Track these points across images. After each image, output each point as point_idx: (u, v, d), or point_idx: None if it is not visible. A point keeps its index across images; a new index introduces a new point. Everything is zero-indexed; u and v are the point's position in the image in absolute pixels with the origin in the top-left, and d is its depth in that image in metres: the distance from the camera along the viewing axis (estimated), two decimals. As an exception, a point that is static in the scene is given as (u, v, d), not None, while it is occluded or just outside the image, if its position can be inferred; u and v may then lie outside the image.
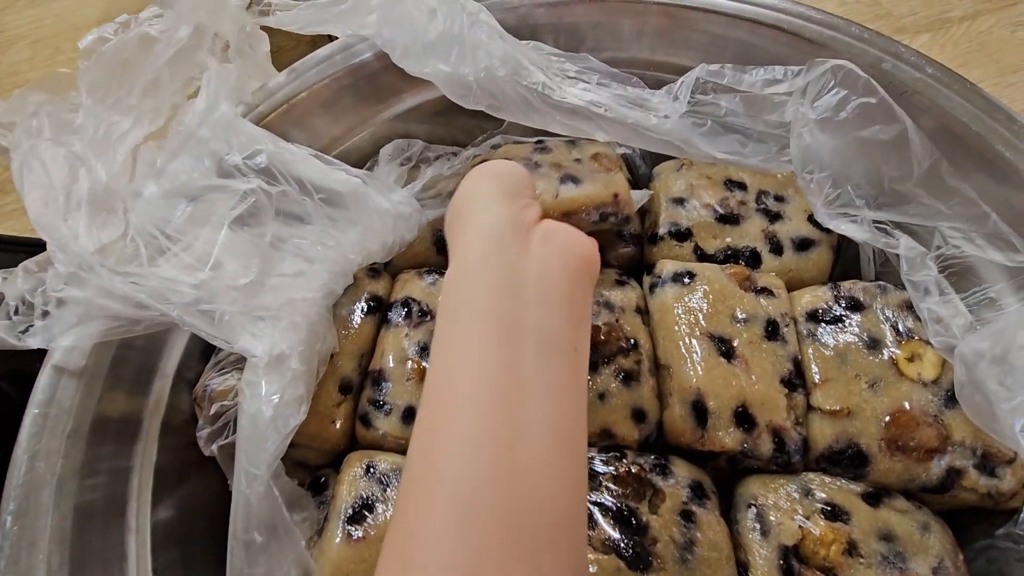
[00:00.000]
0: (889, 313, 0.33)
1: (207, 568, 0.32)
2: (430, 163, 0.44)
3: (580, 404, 0.22)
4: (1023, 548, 0.28)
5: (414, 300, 0.37)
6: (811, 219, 0.38)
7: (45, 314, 0.32)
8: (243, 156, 0.31)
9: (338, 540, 0.29)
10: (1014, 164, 0.32)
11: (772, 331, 0.33)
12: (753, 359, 0.32)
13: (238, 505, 0.29)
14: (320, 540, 0.30)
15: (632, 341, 0.34)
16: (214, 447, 0.32)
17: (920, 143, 0.30)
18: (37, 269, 0.30)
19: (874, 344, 0.32)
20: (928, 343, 0.31)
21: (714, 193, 0.40)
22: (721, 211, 0.40)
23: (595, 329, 0.34)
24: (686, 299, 0.35)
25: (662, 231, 0.40)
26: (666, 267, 0.37)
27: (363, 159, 0.44)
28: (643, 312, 0.37)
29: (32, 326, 0.30)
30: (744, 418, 0.31)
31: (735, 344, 0.33)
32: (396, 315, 0.36)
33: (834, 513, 0.29)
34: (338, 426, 0.34)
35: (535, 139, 0.44)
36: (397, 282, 0.39)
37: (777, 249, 0.38)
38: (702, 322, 0.34)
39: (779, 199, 0.40)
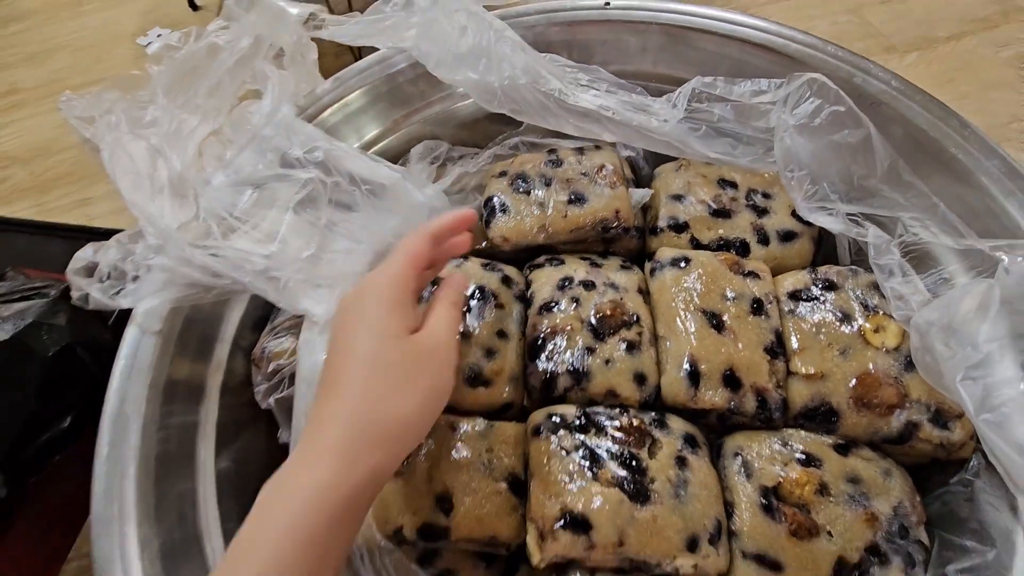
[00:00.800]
0: (859, 292, 0.38)
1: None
2: (455, 162, 0.50)
3: None
4: (970, 491, 0.33)
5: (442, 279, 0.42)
6: (794, 214, 0.43)
7: (135, 279, 0.37)
8: (303, 151, 0.36)
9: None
10: (965, 164, 0.37)
11: (757, 307, 0.38)
12: (740, 331, 0.37)
13: (296, 438, 0.33)
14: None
15: (635, 316, 0.39)
16: (271, 400, 0.37)
17: (881, 145, 0.36)
18: (128, 242, 0.36)
19: (845, 318, 0.37)
20: (891, 316, 0.36)
21: (709, 190, 0.45)
22: (715, 206, 0.45)
23: (602, 306, 0.39)
24: (682, 280, 0.40)
25: (662, 224, 0.45)
26: (665, 253, 0.42)
27: (396, 157, 0.49)
28: (644, 293, 0.42)
29: (123, 289, 0.35)
30: (731, 380, 0.36)
31: (724, 318, 0.38)
32: (427, 290, 0.41)
33: (808, 460, 0.34)
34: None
35: (547, 149, 0.49)
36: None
37: (764, 240, 0.43)
38: (696, 299, 0.39)
39: (766, 196, 0.45)
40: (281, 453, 0.40)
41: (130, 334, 0.36)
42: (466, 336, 0.39)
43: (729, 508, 0.34)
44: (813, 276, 0.40)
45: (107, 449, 0.33)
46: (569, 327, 0.38)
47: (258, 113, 0.38)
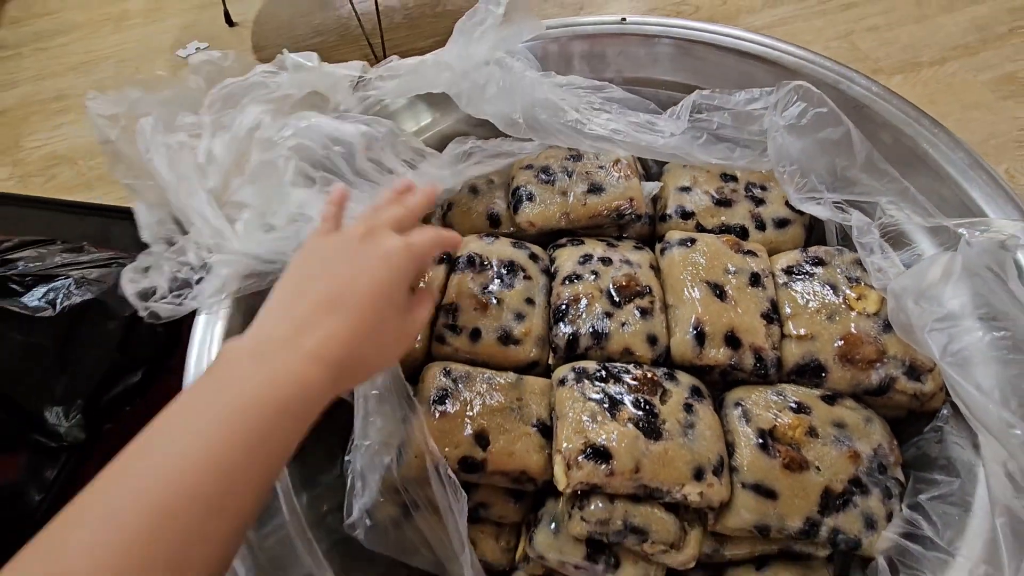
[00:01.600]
0: (844, 267, 0.43)
1: (328, 456, 0.42)
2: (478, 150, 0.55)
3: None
4: (940, 435, 0.37)
5: (476, 254, 0.47)
6: (788, 203, 0.49)
7: (198, 282, 0.42)
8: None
9: (426, 419, 0.39)
10: (935, 157, 0.43)
11: (755, 280, 0.44)
12: (740, 299, 0.43)
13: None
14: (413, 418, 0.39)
15: (647, 287, 0.45)
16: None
17: (859, 139, 0.41)
18: (175, 255, 0.41)
19: (832, 288, 0.42)
20: (871, 286, 0.41)
21: (712, 183, 0.51)
22: (717, 197, 0.50)
23: (619, 278, 0.45)
24: (689, 257, 0.45)
25: (671, 212, 0.50)
26: (674, 235, 0.47)
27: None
28: (655, 269, 0.47)
29: (187, 294, 0.40)
30: (732, 341, 0.41)
31: (726, 289, 0.43)
32: (462, 265, 0.47)
33: (799, 408, 0.39)
34: (419, 346, 0.44)
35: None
36: (461, 244, 0.49)
37: (761, 226, 0.49)
38: (701, 273, 0.44)
39: (763, 188, 0.50)
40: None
41: (200, 319, 0.41)
42: (499, 302, 0.44)
43: (730, 448, 0.38)
44: (804, 255, 0.45)
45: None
46: (590, 295, 0.44)
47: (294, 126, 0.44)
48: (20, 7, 1.38)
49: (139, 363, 0.47)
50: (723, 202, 0.50)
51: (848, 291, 0.42)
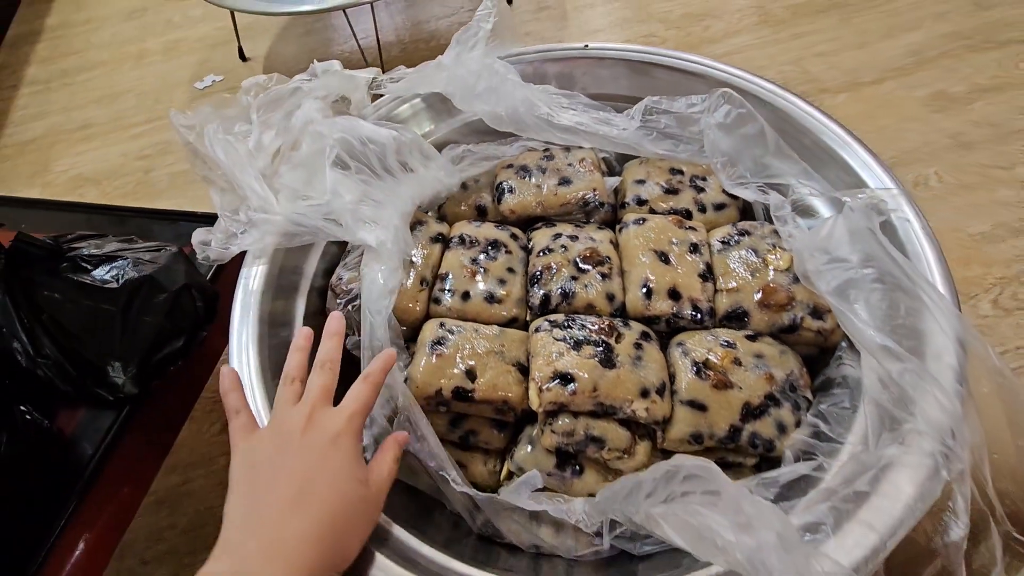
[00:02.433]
0: (764, 236, 0.53)
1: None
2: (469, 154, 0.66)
3: None
4: (839, 361, 0.47)
5: (466, 235, 0.57)
6: (724, 190, 0.59)
7: (243, 233, 0.52)
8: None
9: (425, 358, 0.47)
10: (828, 144, 0.53)
11: (694, 249, 0.53)
12: (681, 263, 0.52)
13: (365, 332, 0.47)
14: (413, 362, 0.48)
15: (607, 257, 0.54)
16: (348, 309, 0.51)
17: (768, 132, 0.52)
18: (231, 216, 0.51)
19: (754, 252, 0.52)
20: (784, 249, 0.51)
21: (663, 176, 0.61)
22: (667, 187, 0.60)
23: (583, 251, 0.54)
24: (641, 232, 0.55)
25: (628, 200, 0.60)
26: (630, 216, 0.57)
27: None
28: (614, 245, 0.57)
29: (235, 240, 0.50)
30: (674, 294, 0.50)
31: (670, 255, 0.53)
32: (455, 243, 0.56)
33: (728, 345, 0.48)
34: (418, 308, 0.53)
35: (543, 148, 0.65)
36: (453, 227, 0.59)
37: (703, 209, 0.59)
38: (651, 244, 0.54)
39: (703, 179, 0.61)
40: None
41: (240, 287, 0.51)
42: (486, 271, 0.54)
43: (672, 377, 0.47)
44: (734, 228, 0.55)
45: (234, 360, 0.47)
46: (560, 263, 0.53)
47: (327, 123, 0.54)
48: (49, 47, 1.51)
49: (182, 331, 0.56)
50: (671, 191, 0.60)
51: (767, 254, 0.52)
